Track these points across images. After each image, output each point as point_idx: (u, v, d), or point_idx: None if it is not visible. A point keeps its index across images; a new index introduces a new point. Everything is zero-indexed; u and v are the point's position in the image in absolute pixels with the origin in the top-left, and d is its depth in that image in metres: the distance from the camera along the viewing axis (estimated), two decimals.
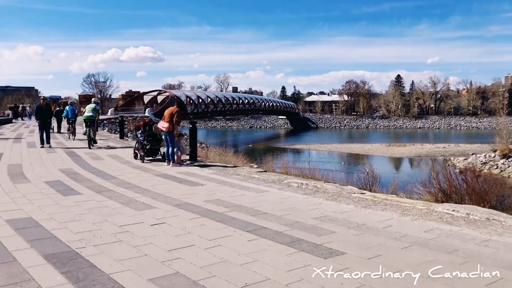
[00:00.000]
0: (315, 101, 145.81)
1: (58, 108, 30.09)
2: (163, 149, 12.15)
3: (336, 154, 55.57)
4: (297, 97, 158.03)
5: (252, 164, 19.43)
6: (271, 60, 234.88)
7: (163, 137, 11.59)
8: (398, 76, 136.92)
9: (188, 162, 11.82)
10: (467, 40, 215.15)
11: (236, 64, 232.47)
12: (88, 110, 17.36)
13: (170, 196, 7.37)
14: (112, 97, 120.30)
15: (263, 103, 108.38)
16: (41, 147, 16.15)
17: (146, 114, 65.79)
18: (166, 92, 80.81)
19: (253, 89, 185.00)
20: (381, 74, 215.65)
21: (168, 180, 9.07)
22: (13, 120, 41.34)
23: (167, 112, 11.14)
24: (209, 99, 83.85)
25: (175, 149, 11.15)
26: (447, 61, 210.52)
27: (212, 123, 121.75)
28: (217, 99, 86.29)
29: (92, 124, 16.97)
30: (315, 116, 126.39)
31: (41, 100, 17.41)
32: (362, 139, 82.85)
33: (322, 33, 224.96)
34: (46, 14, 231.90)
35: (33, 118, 42.07)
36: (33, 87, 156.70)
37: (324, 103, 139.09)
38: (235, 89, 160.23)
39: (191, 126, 12.09)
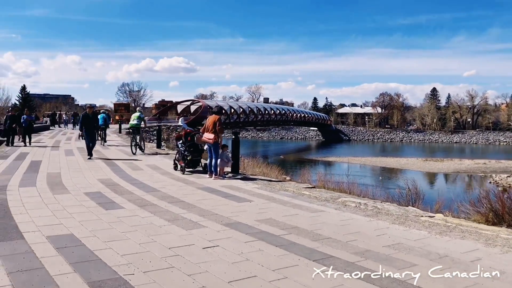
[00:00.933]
0: (348, 113, 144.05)
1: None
2: (204, 160, 11.68)
3: (371, 168, 54.17)
4: (328, 108, 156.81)
5: (285, 176, 18.79)
6: (303, 71, 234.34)
7: (205, 148, 11.08)
8: (434, 89, 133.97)
9: (230, 175, 11.28)
10: (506, 53, 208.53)
11: (267, 75, 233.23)
12: (133, 118, 18.18)
13: (218, 213, 6.80)
14: (146, 106, 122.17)
15: (294, 114, 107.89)
16: (89, 158, 14.77)
17: (179, 123, 66.29)
18: (199, 101, 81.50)
19: (284, 100, 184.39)
20: (415, 87, 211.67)
21: (212, 194, 8.53)
22: (51, 127, 42.06)
23: (210, 122, 10.62)
24: (241, 109, 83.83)
25: (218, 161, 10.64)
26: (484, 74, 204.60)
27: (243, 134, 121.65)
28: (249, 109, 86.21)
29: (138, 131, 17.76)
30: (348, 128, 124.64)
31: (88, 109, 15.87)
32: (397, 153, 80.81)
33: (356, 45, 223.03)
34: (85, 25, 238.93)
35: (69, 125, 42.74)
36: (70, 95, 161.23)
37: (356, 115, 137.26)
38: (266, 100, 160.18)
39: (233, 137, 11.57)
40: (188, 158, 11.64)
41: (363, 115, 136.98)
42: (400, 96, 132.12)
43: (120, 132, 35.26)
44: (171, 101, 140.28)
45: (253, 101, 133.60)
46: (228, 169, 11.54)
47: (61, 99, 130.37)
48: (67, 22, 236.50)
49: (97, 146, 23.69)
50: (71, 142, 24.21)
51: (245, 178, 10.86)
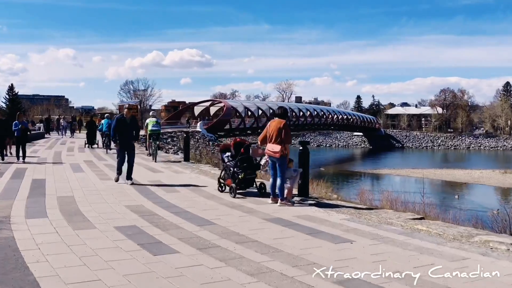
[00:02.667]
0: (399, 114, 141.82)
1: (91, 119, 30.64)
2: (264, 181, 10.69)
3: (438, 183, 52.32)
4: (376, 109, 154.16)
5: (337, 195, 17.60)
6: (342, 64, 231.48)
7: (268, 164, 9.99)
8: (507, 83, 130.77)
9: (297, 198, 10.17)
10: None
11: (298, 69, 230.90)
12: (152, 124, 19.93)
13: (316, 262, 5.68)
14: (153, 107, 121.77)
15: (334, 116, 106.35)
16: (131, 183, 12.60)
17: (198, 128, 65.62)
18: (220, 102, 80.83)
19: (319, 99, 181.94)
20: (480, 81, 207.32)
21: (290, 229, 7.43)
22: (45, 135, 41.84)
23: (273, 128, 9.52)
24: (270, 111, 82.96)
25: (287, 181, 9.55)
26: None
27: None
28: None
29: (158, 138, 19.78)
30: (400, 133, 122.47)
31: (125, 110, 13.10)
32: (465, 163, 78.52)
33: (406, 31, 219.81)
34: (79, 12, 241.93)
35: (68, 132, 42.46)
36: (63, 96, 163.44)
37: (411, 116, 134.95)
38: (298, 99, 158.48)
39: (301, 147, 10.48)
40: (239, 176, 10.59)
41: (418, 116, 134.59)
42: (465, 93, 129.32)
43: None
44: (184, 102, 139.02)
45: (283, 101, 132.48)
46: (294, 190, 10.42)
47: (53, 100, 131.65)
48: (59, 9, 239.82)
49: (103, 154, 23.09)
50: (74, 154, 23.57)
51: (320, 204, 9.74)
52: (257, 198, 10.30)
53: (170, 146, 45.40)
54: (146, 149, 23.32)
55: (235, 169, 10.68)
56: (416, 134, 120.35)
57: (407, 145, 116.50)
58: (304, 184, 10.49)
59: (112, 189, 11.67)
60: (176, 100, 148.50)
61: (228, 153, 11.13)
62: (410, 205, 17.76)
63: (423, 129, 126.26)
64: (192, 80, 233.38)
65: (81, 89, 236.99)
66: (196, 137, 58.73)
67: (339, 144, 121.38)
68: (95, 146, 27.87)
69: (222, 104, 77.64)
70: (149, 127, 20.14)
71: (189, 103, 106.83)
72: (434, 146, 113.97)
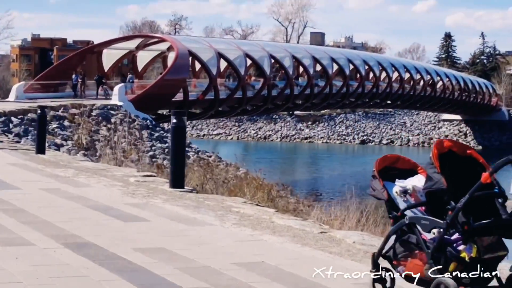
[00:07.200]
0: None
1: None
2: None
3: None
4: (489, 63, 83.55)
5: None
6: None
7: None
8: None
9: None
10: None
11: None
12: None
13: None
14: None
15: (412, 81, 55.95)
16: None
17: (115, 100, 31.76)
18: (161, 40, 40.78)
19: (355, 39, 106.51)
20: None
21: None
22: None
23: None
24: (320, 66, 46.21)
25: None
26: None
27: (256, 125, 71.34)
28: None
29: None
30: None
31: None
32: None
33: None
34: None
35: None
36: None
37: None
38: (317, 39, 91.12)
39: (175, 120, 8.35)
40: (466, 254, 3.11)
41: None
42: None
43: None
44: (65, 39, 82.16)
45: (287, 41, 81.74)
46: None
47: None
48: None
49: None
50: None
51: None
52: None
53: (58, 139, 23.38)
54: None
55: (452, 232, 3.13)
56: None
57: None
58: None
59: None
60: (41, 36, 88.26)
61: (405, 184, 3.49)
62: None
63: None
64: None
65: None
66: (112, 119, 28.46)
67: (408, 139, 68.80)
68: None
69: (164, 45, 39.67)
70: None
71: (88, 43, 63.22)
72: None
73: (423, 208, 3.34)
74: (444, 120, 69.54)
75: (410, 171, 3.56)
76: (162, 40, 40.41)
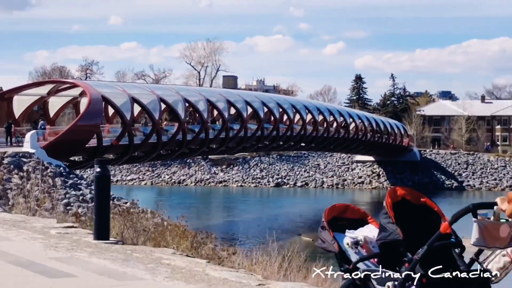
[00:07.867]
0: (446, 116, 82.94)
1: None
2: None
3: None
4: (401, 104, 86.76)
5: None
6: (311, 9, 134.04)
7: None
8: None
9: None
10: None
11: (220, 17, 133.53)
12: None
13: None
14: None
15: (313, 128, 54.83)
16: None
17: (27, 147, 30.90)
18: (74, 85, 40.25)
19: (267, 82, 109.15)
20: None
21: None
22: None
23: None
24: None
25: None
26: None
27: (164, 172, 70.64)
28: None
29: None
30: (454, 158, 70.22)
31: None
32: None
33: None
34: None
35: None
36: None
37: (472, 121, 78.25)
38: (230, 82, 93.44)
39: (98, 169, 8.10)
40: None
41: (489, 120, 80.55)
42: None
43: None
44: None
45: (200, 85, 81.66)
46: None
47: None
48: None
49: None
50: None
51: None
52: None
53: None
54: None
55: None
56: (490, 160, 69.04)
57: (469, 183, 67.20)
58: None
59: None
60: None
61: (356, 234, 3.35)
62: None
63: (499, 147, 76.61)
64: None
65: None
66: (25, 167, 27.83)
67: (322, 181, 68.74)
68: None
69: (76, 91, 39.49)
70: None
71: None
72: None
73: (375, 260, 3.17)
74: (358, 162, 70.05)
75: (359, 220, 3.40)
76: (74, 86, 39.78)
